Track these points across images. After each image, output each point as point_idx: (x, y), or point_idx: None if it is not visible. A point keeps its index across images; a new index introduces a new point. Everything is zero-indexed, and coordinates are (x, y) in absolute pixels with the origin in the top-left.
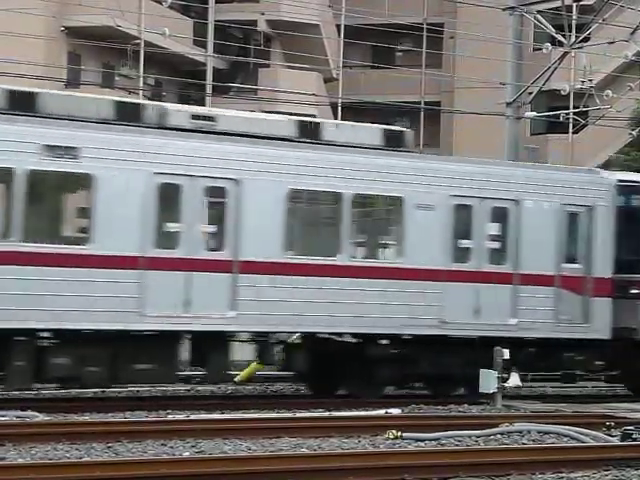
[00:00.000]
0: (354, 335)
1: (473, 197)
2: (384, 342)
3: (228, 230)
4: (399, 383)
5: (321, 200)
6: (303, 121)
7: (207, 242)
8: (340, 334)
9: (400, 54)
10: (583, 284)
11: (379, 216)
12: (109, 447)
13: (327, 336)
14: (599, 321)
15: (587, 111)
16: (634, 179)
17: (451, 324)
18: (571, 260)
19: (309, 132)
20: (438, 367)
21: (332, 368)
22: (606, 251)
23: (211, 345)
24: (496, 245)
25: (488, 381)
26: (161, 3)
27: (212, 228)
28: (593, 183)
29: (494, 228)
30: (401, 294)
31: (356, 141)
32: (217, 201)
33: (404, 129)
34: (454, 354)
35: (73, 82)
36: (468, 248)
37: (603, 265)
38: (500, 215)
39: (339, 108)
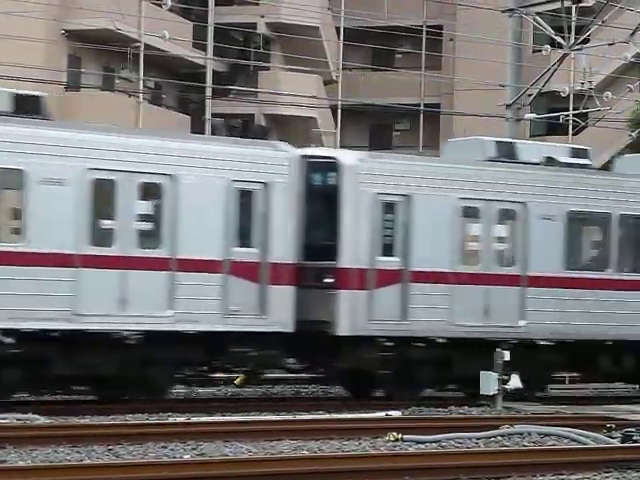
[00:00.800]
0: None
1: (116, 171)
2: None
3: None
4: (35, 388)
5: None
6: None
7: None
8: None
9: (400, 56)
10: (259, 271)
11: None
12: (110, 450)
13: None
14: (279, 312)
15: (587, 112)
16: (327, 154)
17: (88, 317)
18: (244, 244)
19: None
20: (83, 368)
21: None
22: (287, 234)
23: None
24: (148, 226)
25: (488, 383)
26: (161, 6)
27: None
28: (271, 158)
29: (145, 207)
30: (21, 282)
31: None
32: None
33: (39, 94)
34: (99, 353)
35: (73, 85)
36: (111, 230)
37: (283, 250)
38: (152, 192)
39: (339, 110)
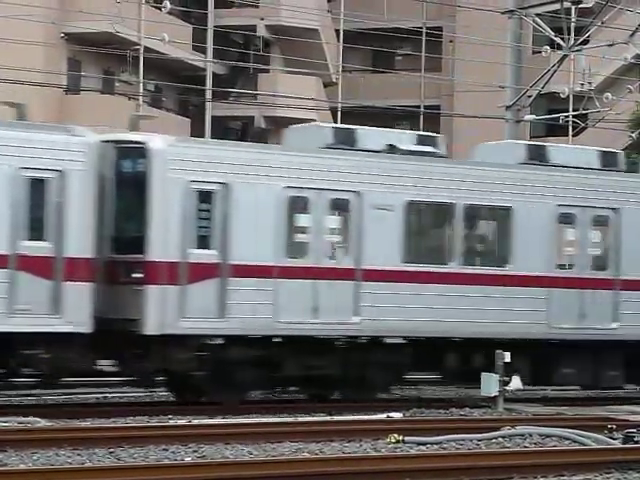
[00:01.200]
0: None
1: None
2: None
3: None
4: None
5: None
6: None
7: None
8: None
9: (399, 58)
10: (52, 266)
11: None
12: (111, 452)
13: None
14: (74, 311)
15: (587, 114)
16: (135, 139)
17: None
18: (35, 237)
19: None
20: None
21: None
22: (84, 226)
23: None
24: None
25: (489, 384)
26: (160, 9)
27: None
28: (66, 144)
29: None
30: None
31: None
32: None
33: None
34: None
35: (73, 88)
36: None
37: (81, 243)
38: None
39: (339, 112)
